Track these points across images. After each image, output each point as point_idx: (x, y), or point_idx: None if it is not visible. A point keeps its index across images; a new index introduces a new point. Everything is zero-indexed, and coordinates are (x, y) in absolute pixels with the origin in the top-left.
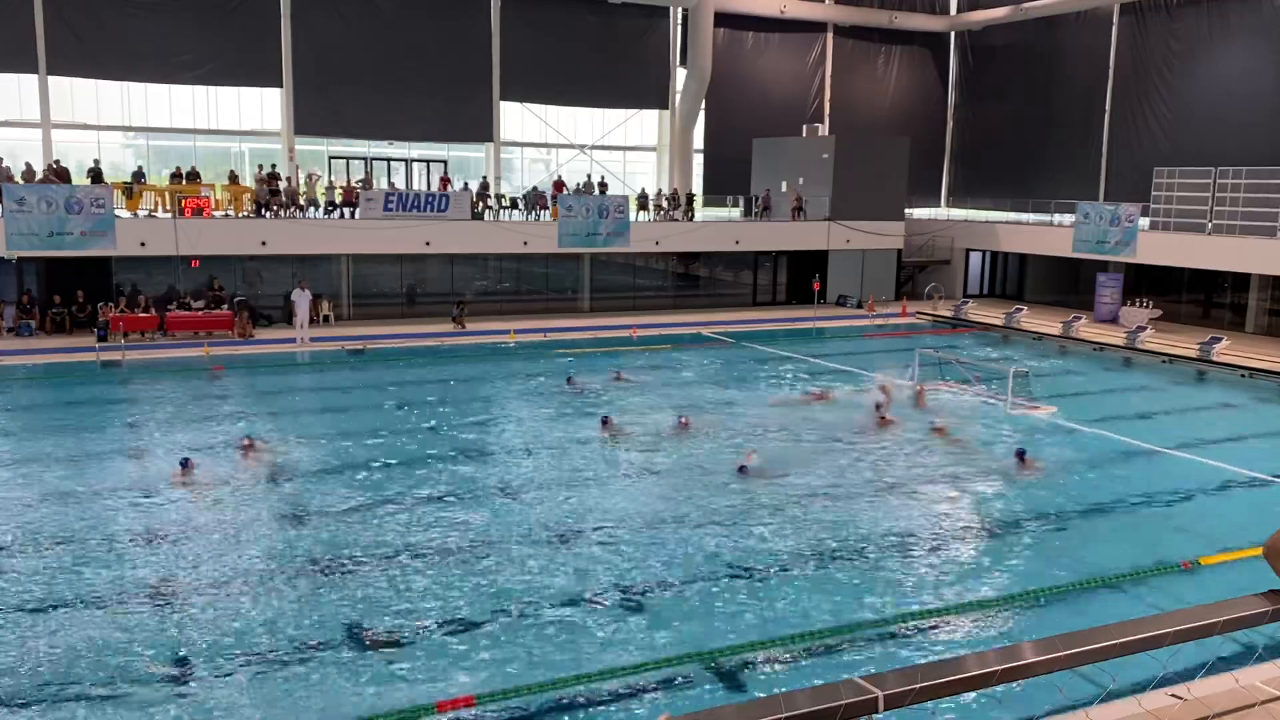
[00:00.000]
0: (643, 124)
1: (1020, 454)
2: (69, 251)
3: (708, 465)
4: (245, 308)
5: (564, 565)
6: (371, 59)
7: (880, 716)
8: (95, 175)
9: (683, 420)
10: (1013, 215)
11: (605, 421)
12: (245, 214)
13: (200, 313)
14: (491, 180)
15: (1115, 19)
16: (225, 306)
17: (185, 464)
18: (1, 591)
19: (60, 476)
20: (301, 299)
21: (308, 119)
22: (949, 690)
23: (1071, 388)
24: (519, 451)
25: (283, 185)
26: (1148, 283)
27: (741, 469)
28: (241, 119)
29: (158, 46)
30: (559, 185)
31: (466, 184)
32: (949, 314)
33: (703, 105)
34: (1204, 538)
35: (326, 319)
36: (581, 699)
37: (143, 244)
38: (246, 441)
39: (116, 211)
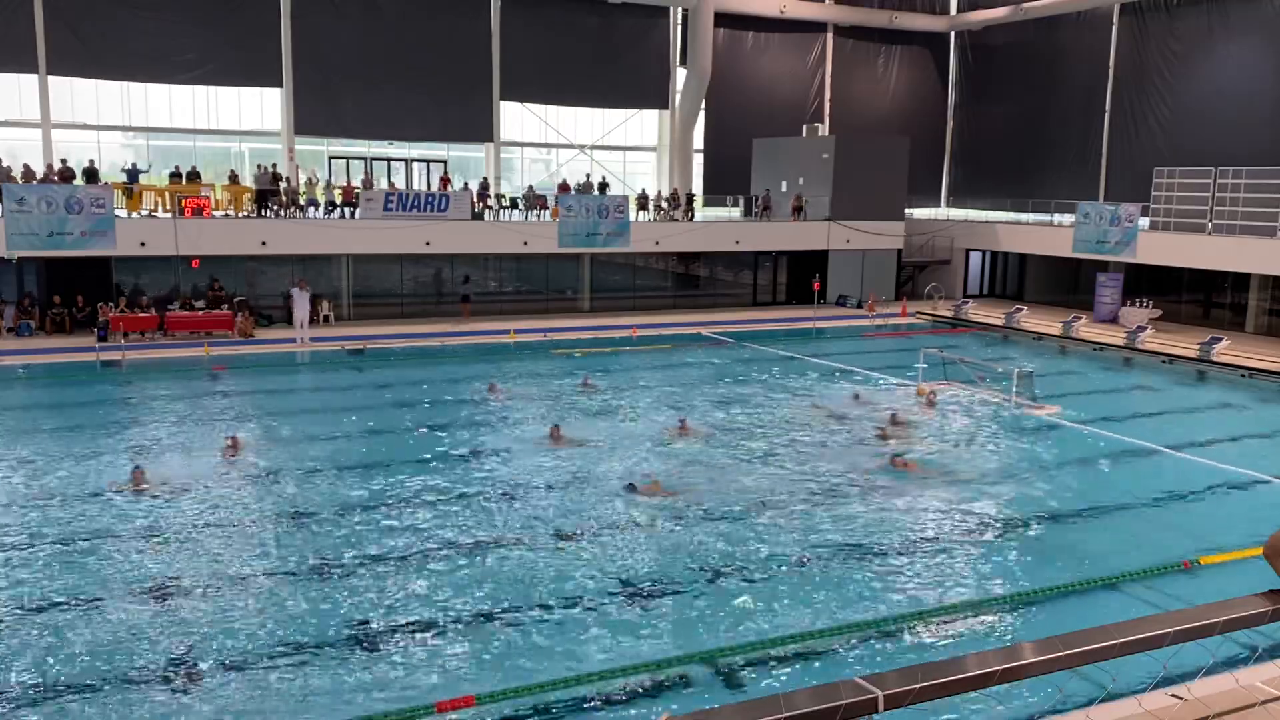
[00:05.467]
0: (643, 124)
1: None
2: (69, 251)
3: (708, 464)
4: (246, 308)
5: (564, 565)
6: (371, 59)
7: (880, 716)
8: (90, 175)
9: (681, 423)
10: (1013, 215)
11: (554, 431)
12: (245, 214)
13: (200, 313)
14: (491, 180)
15: (1115, 19)
16: (225, 306)
17: (136, 471)
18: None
19: (56, 476)
20: (301, 299)
21: (308, 119)
22: (949, 690)
23: (1072, 388)
24: (518, 452)
25: (282, 185)
26: (1148, 283)
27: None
28: (241, 119)
29: (158, 46)
30: (564, 187)
31: (466, 184)
32: (949, 314)
33: (703, 105)
34: (1204, 538)
35: (326, 319)
36: (581, 699)
37: (143, 244)
38: (231, 440)
39: (116, 211)
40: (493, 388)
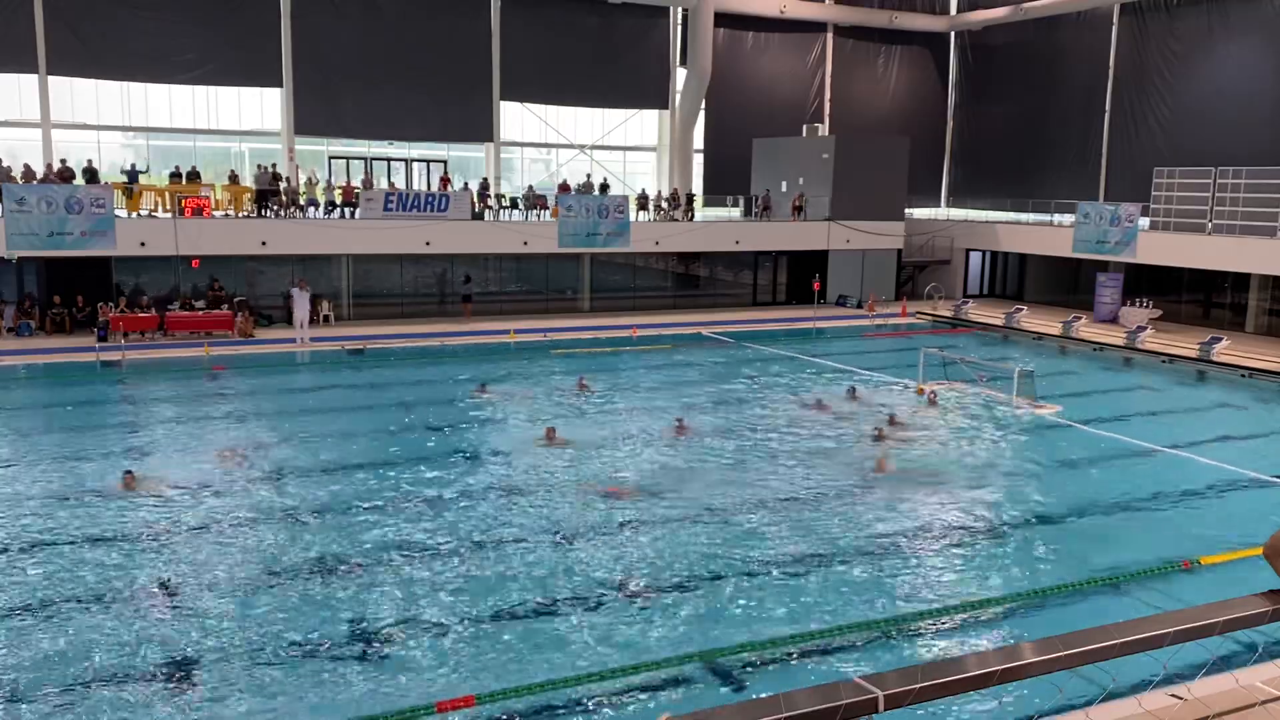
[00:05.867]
0: (643, 124)
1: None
2: (69, 251)
3: (703, 464)
4: (246, 307)
5: (564, 565)
6: (371, 59)
7: (880, 717)
8: (90, 175)
9: (678, 422)
10: (1013, 215)
11: (549, 432)
12: (245, 214)
13: (200, 313)
14: (491, 180)
15: (1115, 19)
16: (225, 306)
17: (127, 475)
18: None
19: (49, 477)
20: (301, 299)
21: (308, 119)
22: (949, 690)
23: (1072, 388)
24: (514, 453)
25: (283, 185)
26: (1148, 283)
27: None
28: (241, 119)
29: (158, 46)
30: (564, 188)
31: (466, 184)
32: (949, 314)
33: (703, 105)
34: (1204, 538)
35: (326, 319)
36: (581, 699)
37: (143, 244)
38: (232, 450)
39: (116, 211)
40: (482, 389)
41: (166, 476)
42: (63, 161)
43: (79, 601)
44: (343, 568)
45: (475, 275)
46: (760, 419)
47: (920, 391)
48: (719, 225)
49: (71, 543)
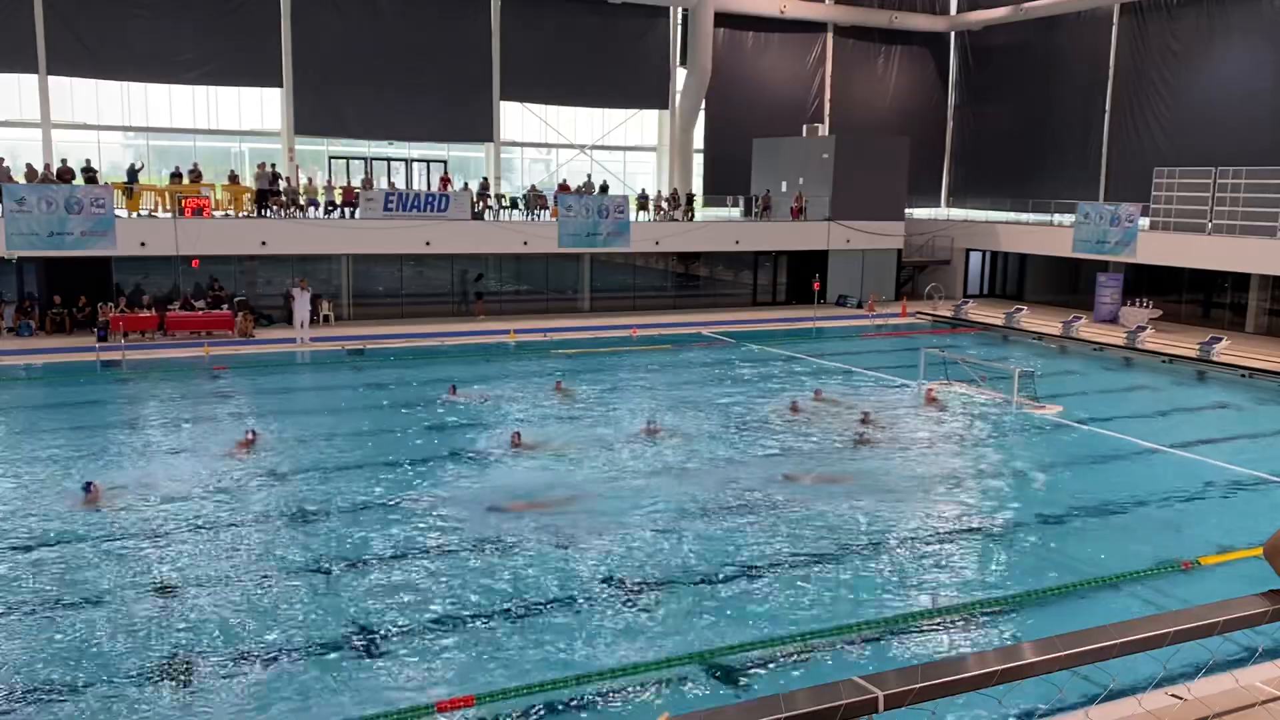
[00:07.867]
0: (643, 124)
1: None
2: (69, 251)
3: (697, 466)
4: (246, 307)
5: (563, 565)
6: (372, 59)
7: (880, 717)
8: (89, 176)
9: (652, 426)
10: (1013, 215)
11: (515, 437)
12: (245, 214)
13: (200, 313)
14: (491, 180)
15: (1115, 19)
16: (225, 306)
17: (88, 488)
18: None
19: (51, 477)
20: (302, 299)
21: (308, 119)
22: (949, 690)
23: (1072, 387)
24: (517, 452)
25: (282, 185)
26: (1148, 283)
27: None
28: (241, 119)
29: (158, 46)
30: (564, 188)
31: (466, 184)
32: (949, 314)
33: (703, 105)
34: (1204, 538)
35: (326, 319)
36: (581, 699)
37: (143, 244)
38: (248, 435)
39: (116, 211)
40: (453, 389)
41: (159, 477)
42: (63, 161)
43: (75, 601)
44: (341, 567)
45: (474, 274)
46: (746, 419)
47: (923, 393)
48: (719, 225)
49: (50, 544)
